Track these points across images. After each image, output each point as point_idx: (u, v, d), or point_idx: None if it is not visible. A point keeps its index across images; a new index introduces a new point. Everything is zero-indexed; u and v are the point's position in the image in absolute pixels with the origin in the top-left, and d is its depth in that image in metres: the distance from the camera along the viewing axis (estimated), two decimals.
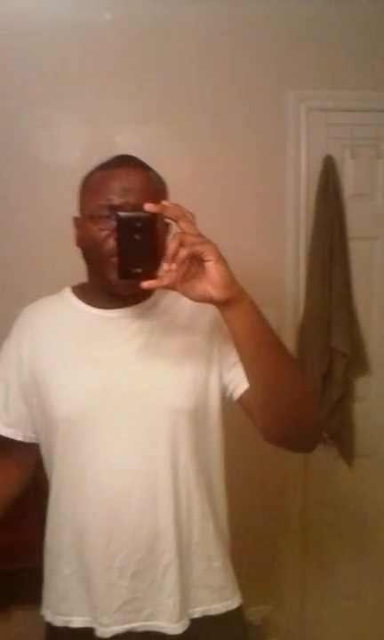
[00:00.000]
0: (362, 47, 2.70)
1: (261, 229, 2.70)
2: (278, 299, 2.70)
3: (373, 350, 2.82)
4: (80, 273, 1.45)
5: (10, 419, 1.48)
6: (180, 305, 1.40)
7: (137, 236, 1.15)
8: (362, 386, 2.81)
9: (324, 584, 2.86)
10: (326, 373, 2.69)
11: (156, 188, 1.35)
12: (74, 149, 2.55)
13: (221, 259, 1.14)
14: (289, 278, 2.77)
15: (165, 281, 1.13)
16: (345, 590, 2.86)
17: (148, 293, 1.41)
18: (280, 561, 2.83)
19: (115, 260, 1.20)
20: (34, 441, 1.49)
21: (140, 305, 1.41)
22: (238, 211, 2.63)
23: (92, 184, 1.37)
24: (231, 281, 1.15)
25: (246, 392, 1.34)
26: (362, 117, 2.73)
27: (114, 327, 1.40)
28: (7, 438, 1.49)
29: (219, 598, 1.42)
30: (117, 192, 1.31)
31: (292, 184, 2.71)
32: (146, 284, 1.13)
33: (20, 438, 1.49)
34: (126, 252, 1.16)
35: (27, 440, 1.49)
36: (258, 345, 1.21)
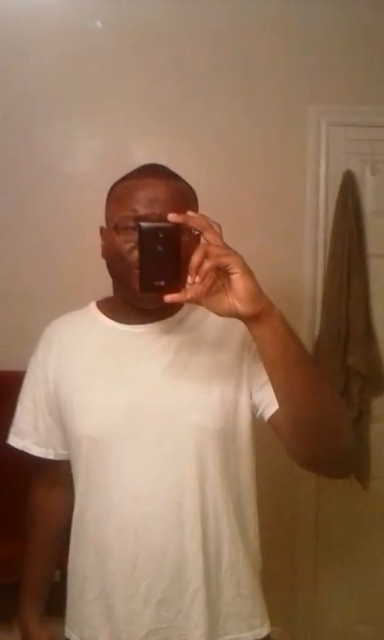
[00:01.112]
0: (383, 62, 2.67)
1: (279, 244, 2.67)
2: (294, 315, 2.63)
3: None
4: (103, 286, 1.40)
5: (40, 438, 1.44)
6: (209, 321, 1.34)
7: (160, 248, 1.09)
8: (378, 405, 2.76)
9: (337, 609, 2.80)
10: (342, 392, 2.64)
11: (183, 198, 1.29)
12: (92, 160, 2.55)
13: (248, 271, 1.07)
14: (306, 295, 2.73)
15: (189, 295, 1.07)
16: (359, 615, 2.80)
17: (175, 308, 1.35)
18: (292, 584, 2.77)
19: (138, 272, 1.13)
20: (67, 458, 1.43)
21: (167, 320, 1.35)
22: (256, 225, 2.61)
23: (118, 194, 1.32)
24: (258, 294, 1.08)
25: (277, 413, 1.26)
26: (382, 133, 2.70)
27: (140, 343, 1.34)
28: (44, 459, 1.45)
29: (247, 627, 1.35)
30: (143, 202, 1.25)
31: (312, 199, 2.69)
32: (168, 298, 1.07)
33: (51, 457, 1.45)
34: (149, 263, 1.10)
35: (59, 458, 1.45)
36: (288, 361, 1.13)
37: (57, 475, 1.47)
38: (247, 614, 1.35)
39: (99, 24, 2.51)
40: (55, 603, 1.48)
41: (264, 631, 1.37)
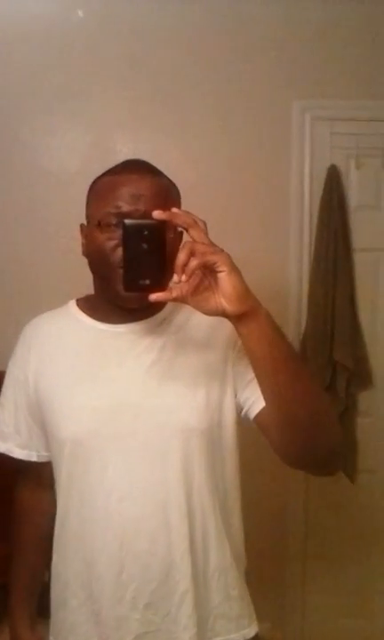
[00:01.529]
0: (367, 57, 2.68)
1: (264, 240, 2.66)
2: (280, 311, 2.63)
3: (377, 364, 2.77)
4: (84, 284, 1.39)
5: (22, 440, 1.43)
6: (193, 320, 1.32)
7: (145, 246, 1.07)
8: (365, 400, 2.76)
9: (325, 602, 2.80)
10: (328, 387, 2.64)
11: (167, 194, 1.28)
12: (75, 157, 2.53)
13: (235, 269, 1.06)
14: (291, 290, 2.73)
15: (175, 293, 1.06)
16: (347, 609, 2.81)
17: (158, 307, 1.33)
18: (280, 578, 2.78)
19: (122, 271, 1.11)
20: (50, 459, 1.41)
21: (150, 319, 1.33)
22: (240, 220, 2.60)
23: (100, 190, 1.29)
24: (245, 293, 1.07)
25: (263, 411, 1.25)
26: (367, 127, 2.70)
27: (122, 343, 1.32)
28: (27, 461, 1.44)
29: (236, 628, 1.34)
30: (126, 199, 1.23)
31: (296, 194, 2.68)
32: (154, 297, 1.05)
33: (34, 459, 1.44)
34: (133, 262, 1.08)
35: (42, 460, 1.44)
36: (274, 361, 1.12)
37: (41, 476, 1.46)
38: (236, 615, 1.34)
39: (80, 13, 2.48)
40: (46, 604, 1.46)
41: (252, 631, 1.37)
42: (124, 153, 2.39)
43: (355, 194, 2.71)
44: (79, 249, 1.35)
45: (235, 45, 2.60)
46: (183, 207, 1.17)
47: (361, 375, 2.71)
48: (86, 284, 1.38)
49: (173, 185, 1.32)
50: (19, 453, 1.44)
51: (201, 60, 2.58)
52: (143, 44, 2.54)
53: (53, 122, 2.53)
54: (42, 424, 1.38)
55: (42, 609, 1.52)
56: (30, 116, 2.51)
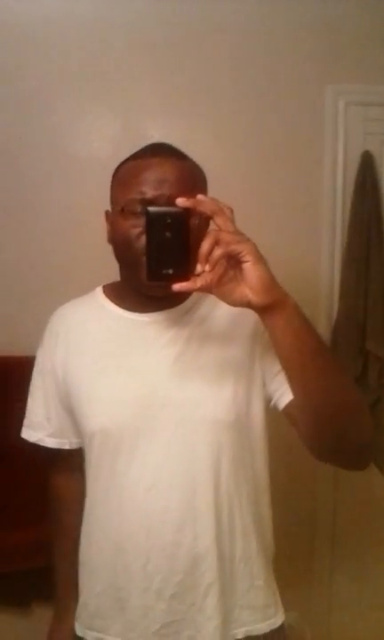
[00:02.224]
0: None
1: (296, 227, 2.63)
2: (311, 299, 2.63)
3: None
4: (113, 271, 1.37)
5: (53, 428, 1.43)
6: (219, 310, 1.30)
7: (168, 234, 1.05)
8: None
9: (352, 593, 2.78)
10: (360, 377, 2.60)
11: (193, 179, 1.25)
12: (105, 143, 2.51)
13: (261, 259, 1.03)
14: (323, 278, 2.69)
15: (199, 283, 1.03)
16: (374, 600, 2.78)
17: (183, 296, 1.31)
18: (308, 568, 2.76)
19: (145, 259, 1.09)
20: (82, 445, 1.41)
21: (175, 309, 1.32)
22: (272, 207, 2.57)
23: (124, 175, 1.27)
24: (271, 284, 1.04)
25: (291, 402, 1.23)
26: None
27: (148, 333, 1.30)
28: (61, 449, 1.44)
29: (262, 618, 1.33)
30: (151, 184, 1.20)
31: (329, 180, 2.64)
32: (177, 287, 1.03)
33: (66, 447, 1.44)
34: (156, 251, 1.06)
35: (75, 446, 1.44)
36: (302, 354, 1.09)
37: (73, 462, 1.46)
38: (261, 604, 1.33)
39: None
40: None
41: (279, 620, 1.36)
42: (155, 139, 2.34)
43: None
44: (106, 236, 1.34)
45: (268, 30, 2.56)
46: (212, 194, 1.15)
47: None
48: (115, 271, 1.37)
49: (199, 168, 1.29)
50: (50, 442, 1.44)
51: (233, 45, 2.55)
52: (173, 31, 2.51)
53: (84, 107, 2.52)
54: (71, 412, 1.38)
55: None
56: (60, 100, 2.50)
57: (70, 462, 1.48)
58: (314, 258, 2.67)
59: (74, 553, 1.47)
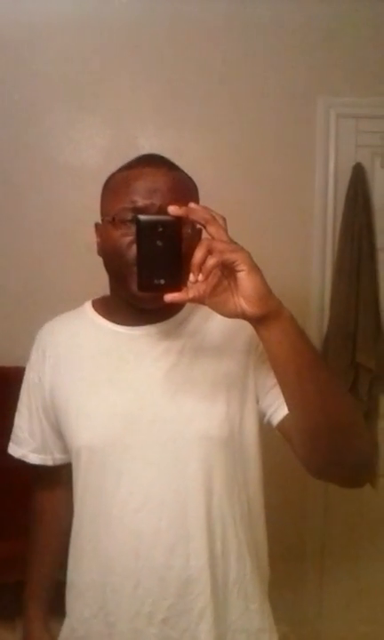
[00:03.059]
0: None
1: (287, 238, 2.62)
2: (302, 310, 2.60)
3: None
4: (101, 283, 1.34)
5: (37, 445, 1.40)
6: (212, 322, 1.26)
7: (159, 243, 1.01)
8: None
9: (342, 607, 2.76)
10: (350, 389, 2.59)
11: (185, 189, 1.22)
12: (96, 151, 2.50)
13: (255, 269, 1.00)
14: (314, 290, 2.69)
15: (192, 294, 1.00)
16: (365, 613, 2.76)
17: (176, 308, 1.27)
18: (298, 581, 2.74)
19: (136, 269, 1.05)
20: (66, 461, 1.38)
21: (168, 321, 1.28)
22: (262, 218, 2.56)
23: (115, 185, 1.24)
24: (266, 294, 1.01)
25: (286, 418, 1.19)
26: None
27: (139, 346, 1.27)
28: (44, 465, 1.42)
29: None
30: (142, 193, 1.18)
31: (320, 192, 2.64)
32: (169, 298, 0.99)
33: (49, 463, 1.41)
34: (147, 260, 1.02)
35: (58, 463, 1.41)
36: (298, 367, 1.05)
37: (57, 478, 1.43)
38: (256, 629, 1.28)
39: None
40: (61, 601, 1.44)
41: None
42: (145, 148, 2.33)
43: (380, 193, 2.67)
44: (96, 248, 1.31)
45: (260, 42, 2.56)
46: (203, 204, 1.13)
47: (383, 377, 2.66)
48: (104, 284, 1.34)
49: (190, 179, 1.27)
50: (34, 458, 1.41)
51: (225, 55, 2.55)
52: (164, 40, 2.51)
53: (74, 116, 2.51)
54: (57, 428, 1.35)
55: (57, 606, 1.50)
56: (51, 109, 2.49)
57: (54, 479, 1.45)
58: (305, 269, 2.67)
59: (49, 567, 1.46)
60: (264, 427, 1.29)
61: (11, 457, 1.45)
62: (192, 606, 1.22)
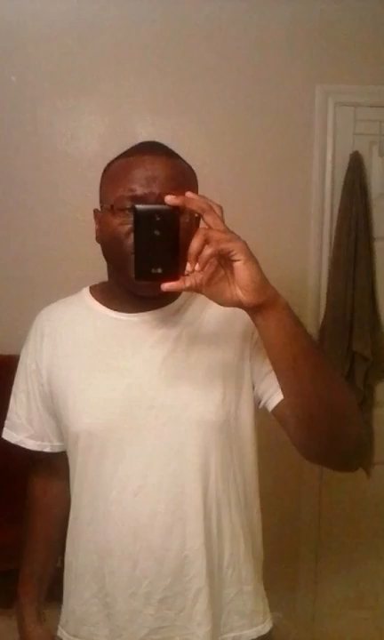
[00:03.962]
0: None
1: (284, 227, 2.63)
2: (298, 300, 2.62)
3: None
4: (101, 270, 1.35)
5: (34, 431, 1.41)
6: (209, 310, 1.28)
7: (157, 232, 1.03)
8: (382, 391, 2.73)
9: (336, 593, 2.79)
10: (346, 378, 2.61)
11: (184, 177, 1.23)
12: (94, 139, 2.50)
13: (252, 258, 1.01)
14: (310, 278, 2.69)
15: (188, 283, 1.01)
16: (358, 600, 2.79)
17: (173, 296, 1.28)
18: (293, 568, 2.77)
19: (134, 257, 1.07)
20: (64, 449, 1.39)
21: (164, 308, 1.29)
22: (259, 207, 2.56)
23: (114, 173, 1.25)
24: (263, 283, 1.02)
25: (281, 403, 1.21)
26: None
27: (137, 333, 1.28)
28: (41, 452, 1.42)
29: (249, 624, 1.31)
30: (141, 181, 1.18)
31: (318, 180, 2.64)
32: (165, 287, 1.01)
33: (47, 449, 1.41)
34: (145, 249, 1.03)
35: (55, 450, 1.42)
36: (293, 355, 1.07)
37: (54, 465, 1.44)
38: (249, 611, 1.31)
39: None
40: (58, 588, 1.45)
41: (266, 627, 1.33)
42: (143, 136, 2.34)
43: (377, 181, 2.67)
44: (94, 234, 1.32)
45: (258, 30, 2.55)
46: (202, 192, 1.13)
47: (379, 366, 2.67)
48: (102, 272, 1.35)
49: (189, 168, 1.28)
50: (31, 445, 1.42)
51: (222, 43, 2.54)
52: (163, 28, 2.50)
53: (72, 104, 2.50)
54: (55, 414, 1.36)
55: (53, 592, 1.51)
56: (48, 97, 2.48)
57: (50, 466, 1.46)
58: (301, 258, 2.67)
59: (44, 555, 1.48)
60: (260, 412, 1.31)
61: (4, 443, 1.45)
62: (188, 587, 1.25)
